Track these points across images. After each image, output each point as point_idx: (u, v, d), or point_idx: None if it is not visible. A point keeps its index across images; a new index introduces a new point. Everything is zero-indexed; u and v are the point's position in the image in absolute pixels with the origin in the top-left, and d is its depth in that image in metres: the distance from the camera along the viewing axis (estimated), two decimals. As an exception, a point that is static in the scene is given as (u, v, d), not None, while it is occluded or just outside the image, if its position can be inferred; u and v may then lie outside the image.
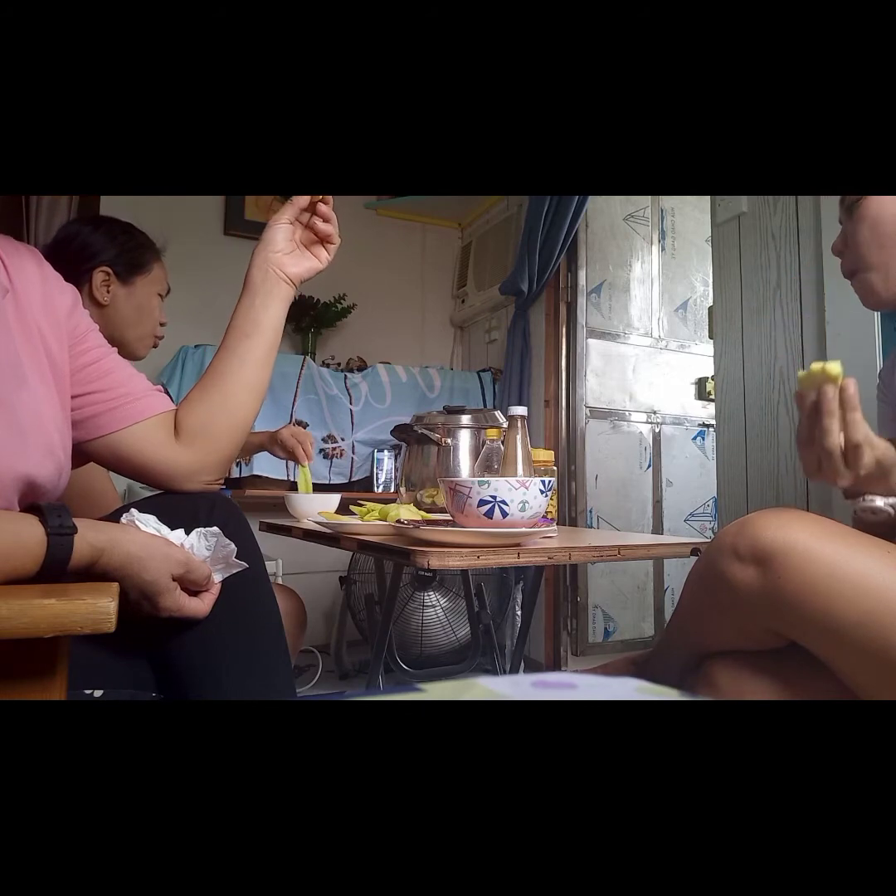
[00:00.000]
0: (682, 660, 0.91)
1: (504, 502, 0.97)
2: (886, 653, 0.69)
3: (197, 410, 0.83)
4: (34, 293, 0.74)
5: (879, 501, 0.81)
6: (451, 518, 1.07)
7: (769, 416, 1.68)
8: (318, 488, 2.45)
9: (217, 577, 0.73)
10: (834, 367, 0.75)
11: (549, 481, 1.02)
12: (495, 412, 1.47)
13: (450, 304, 3.24)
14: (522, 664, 1.99)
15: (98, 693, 0.71)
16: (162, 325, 1.36)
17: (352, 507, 1.32)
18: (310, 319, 2.76)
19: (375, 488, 2.53)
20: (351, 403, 2.59)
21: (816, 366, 0.76)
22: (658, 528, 2.80)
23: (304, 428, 2.47)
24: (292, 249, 0.87)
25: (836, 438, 0.75)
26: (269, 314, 0.85)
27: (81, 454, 0.78)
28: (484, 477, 1.09)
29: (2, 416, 0.64)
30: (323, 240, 0.88)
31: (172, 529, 0.72)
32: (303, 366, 2.53)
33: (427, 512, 1.25)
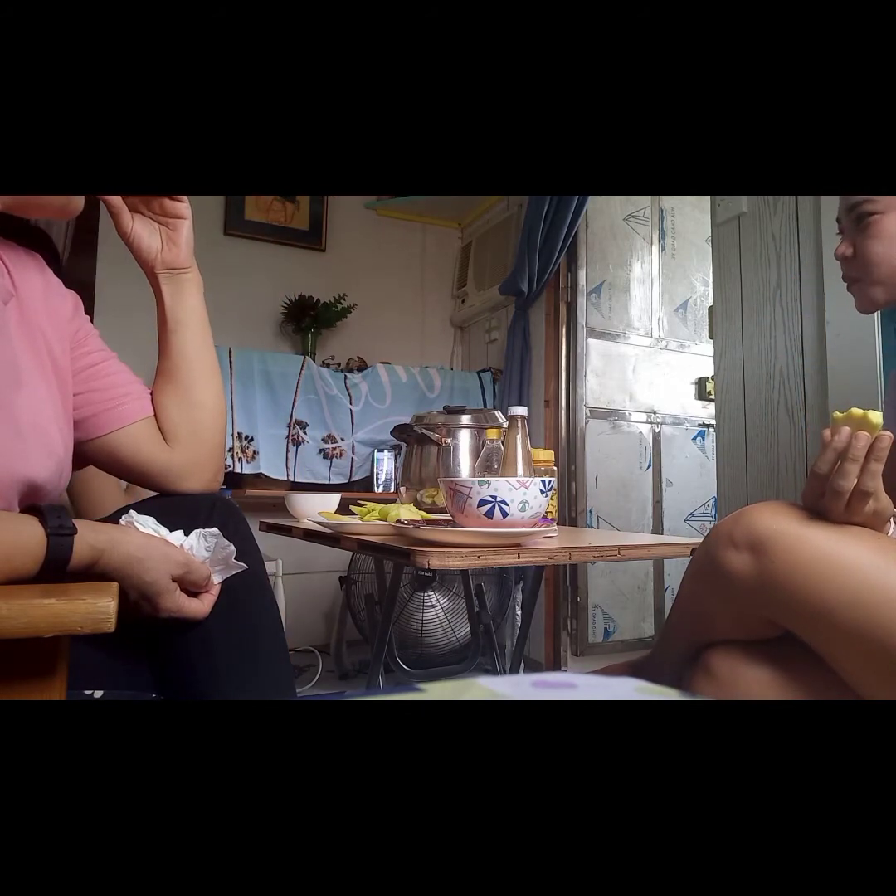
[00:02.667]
0: (681, 653, 0.91)
1: (504, 502, 0.97)
2: (874, 636, 0.71)
3: (166, 413, 0.83)
4: (37, 297, 0.74)
5: None
6: (451, 518, 1.07)
7: (769, 416, 1.68)
8: (318, 488, 2.45)
9: (216, 579, 0.73)
10: (876, 415, 0.76)
11: (549, 481, 1.02)
12: (495, 412, 1.47)
13: (450, 304, 3.24)
14: (522, 664, 1.99)
15: (98, 694, 0.71)
16: None
17: (352, 507, 1.32)
18: (310, 319, 2.76)
19: (375, 488, 2.53)
20: (351, 403, 2.59)
21: (858, 411, 0.77)
22: (658, 528, 2.80)
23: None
24: (159, 242, 0.83)
25: (850, 484, 0.76)
26: (183, 306, 0.85)
27: (80, 456, 0.79)
28: (484, 477, 1.09)
29: (2, 419, 0.64)
30: (164, 212, 0.83)
31: (172, 531, 0.72)
32: (303, 366, 2.53)
33: (427, 512, 1.25)
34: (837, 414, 0.80)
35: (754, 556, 0.77)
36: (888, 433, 0.75)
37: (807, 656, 0.78)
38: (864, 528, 0.78)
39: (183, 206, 0.82)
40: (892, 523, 0.85)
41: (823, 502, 0.79)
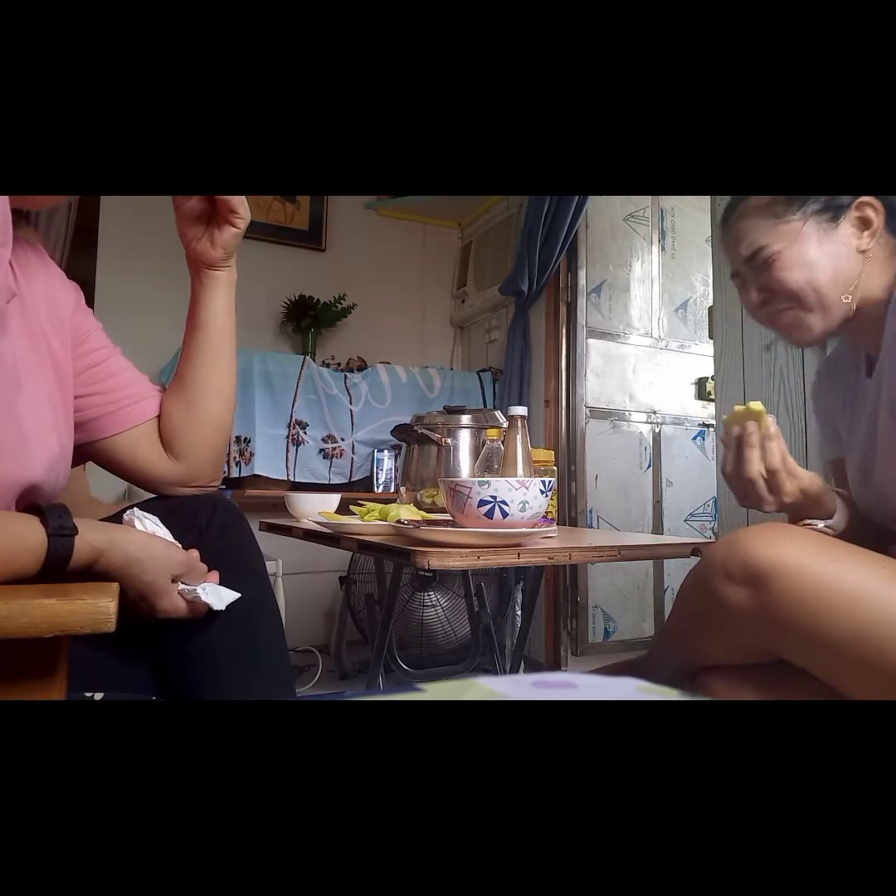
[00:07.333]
0: (678, 669, 0.90)
1: (504, 502, 0.97)
2: (882, 667, 0.69)
3: (169, 419, 0.82)
4: (39, 293, 0.74)
5: (819, 524, 0.90)
6: (451, 518, 1.07)
7: (769, 416, 1.67)
8: (319, 488, 2.45)
9: (220, 606, 0.70)
10: (756, 405, 0.86)
11: (550, 481, 1.02)
12: (495, 412, 1.47)
13: (450, 304, 3.24)
14: (522, 664, 1.99)
15: (98, 696, 0.71)
16: None
17: (352, 507, 1.32)
18: (310, 319, 2.76)
19: (375, 488, 2.53)
20: (351, 403, 2.59)
21: (740, 407, 0.87)
22: (658, 528, 2.80)
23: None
24: (203, 232, 0.81)
25: (757, 467, 0.85)
26: (207, 306, 0.83)
27: (80, 455, 0.79)
28: (484, 477, 1.09)
29: (6, 422, 0.64)
30: (224, 207, 0.81)
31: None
32: (303, 366, 2.53)
33: (427, 512, 1.25)
34: (725, 417, 0.89)
35: (752, 589, 0.74)
36: (772, 416, 0.85)
37: (809, 675, 0.76)
38: (868, 553, 0.76)
39: (234, 216, 0.80)
40: (840, 508, 0.90)
41: (751, 498, 0.86)
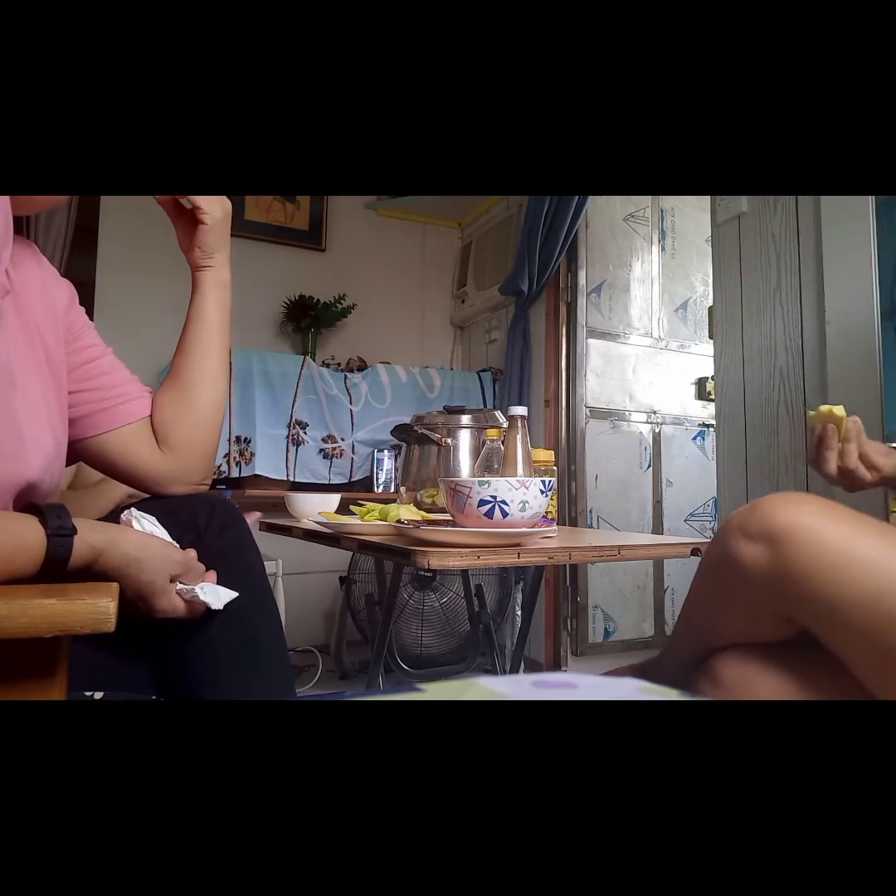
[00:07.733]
0: (689, 657, 0.90)
1: (504, 502, 0.97)
2: (891, 635, 0.69)
3: (163, 411, 0.84)
4: (32, 291, 0.74)
5: None
6: (451, 518, 1.07)
7: (769, 416, 1.68)
8: (319, 488, 2.45)
9: (217, 605, 0.71)
10: (839, 410, 0.94)
11: (550, 481, 1.02)
12: (495, 412, 1.47)
13: (450, 304, 3.24)
14: (522, 664, 1.99)
15: (98, 695, 0.71)
16: None
17: (352, 507, 1.32)
18: (310, 319, 2.76)
19: (375, 488, 2.53)
20: (351, 403, 2.59)
21: (825, 408, 0.96)
22: (658, 528, 2.80)
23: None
24: (190, 240, 0.86)
25: (833, 466, 0.95)
26: (200, 303, 0.87)
27: (71, 453, 0.79)
28: (484, 477, 1.09)
29: (3, 421, 0.64)
30: (194, 209, 0.86)
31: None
32: (303, 366, 2.53)
33: (427, 512, 1.25)
34: (812, 412, 0.97)
35: (769, 547, 0.76)
36: (855, 418, 0.93)
37: (817, 663, 0.76)
38: (883, 524, 0.77)
39: (200, 213, 0.83)
40: None
41: (831, 482, 0.96)
